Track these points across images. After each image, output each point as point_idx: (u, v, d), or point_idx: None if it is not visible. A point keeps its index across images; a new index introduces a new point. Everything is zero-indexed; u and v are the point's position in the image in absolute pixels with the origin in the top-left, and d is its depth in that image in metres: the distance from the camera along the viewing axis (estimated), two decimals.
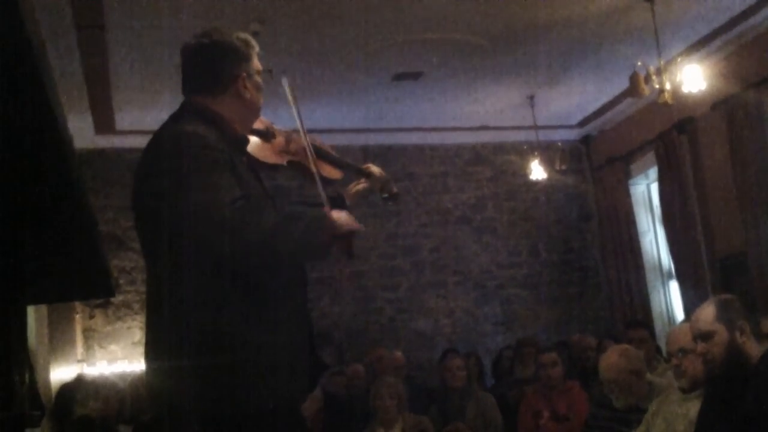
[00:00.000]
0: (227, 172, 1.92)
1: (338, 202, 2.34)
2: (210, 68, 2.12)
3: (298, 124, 2.21)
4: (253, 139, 2.24)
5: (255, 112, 2.21)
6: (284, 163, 2.28)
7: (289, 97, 2.22)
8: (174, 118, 2.09)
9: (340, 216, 2.01)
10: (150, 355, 1.99)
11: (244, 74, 2.14)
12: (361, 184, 2.45)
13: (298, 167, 2.28)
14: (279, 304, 1.98)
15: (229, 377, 1.87)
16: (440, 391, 5.37)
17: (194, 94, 2.14)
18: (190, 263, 1.86)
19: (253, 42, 2.20)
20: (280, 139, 2.31)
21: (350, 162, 2.46)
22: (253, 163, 2.21)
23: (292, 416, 2.03)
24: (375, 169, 2.46)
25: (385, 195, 2.48)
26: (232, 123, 2.12)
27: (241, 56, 2.14)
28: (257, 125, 2.27)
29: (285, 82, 2.23)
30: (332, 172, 2.36)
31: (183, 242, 1.84)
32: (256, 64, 2.19)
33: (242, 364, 1.88)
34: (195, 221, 1.82)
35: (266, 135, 2.29)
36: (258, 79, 2.18)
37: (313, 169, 2.17)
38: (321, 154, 2.33)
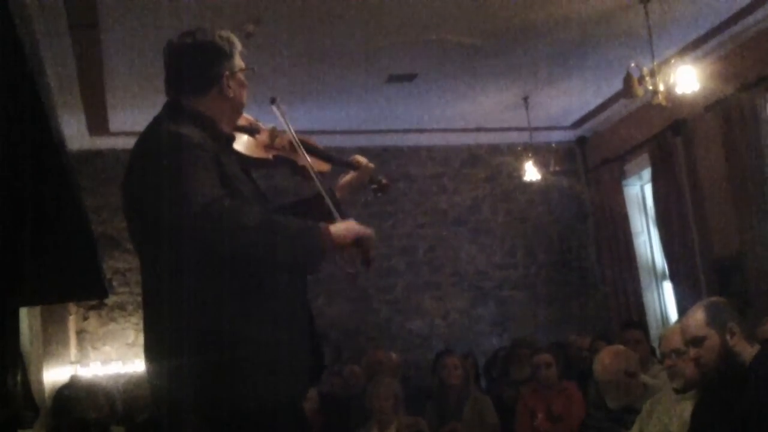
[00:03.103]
0: (211, 171, 1.92)
1: (329, 197, 2.34)
2: (193, 68, 2.13)
3: (292, 138, 2.22)
4: (239, 136, 2.24)
5: (239, 110, 2.22)
6: (270, 157, 2.27)
7: (281, 120, 2.23)
8: (158, 120, 2.10)
9: (343, 226, 1.99)
10: (149, 354, 1.99)
11: (228, 72, 2.14)
12: (350, 177, 2.43)
13: (284, 162, 2.27)
14: (278, 301, 1.97)
15: (229, 375, 1.87)
16: (437, 391, 5.36)
17: (178, 94, 2.14)
18: (179, 262, 1.86)
19: (235, 40, 2.20)
20: (264, 135, 2.31)
21: (337, 156, 2.45)
22: (240, 159, 2.22)
23: (293, 414, 2.03)
24: (362, 160, 2.44)
25: (374, 186, 2.46)
26: (217, 122, 2.13)
27: (224, 54, 2.15)
28: (241, 122, 2.27)
29: (276, 108, 2.24)
30: (320, 165, 2.35)
31: (171, 239, 1.84)
32: (239, 62, 2.19)
33: (242, 362, 1.88)
34: (176, 217, 1.82)
35: (251, 131, 2.29)
36: (241, 76, 2.19)
37: (304, 161, 2.18)
38: (307, 148, 2.33)
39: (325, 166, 2.36)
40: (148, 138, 2.03)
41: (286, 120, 2.22)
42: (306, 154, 2.24)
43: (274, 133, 2.30)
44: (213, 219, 1.81)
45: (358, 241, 1.99)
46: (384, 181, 2.48)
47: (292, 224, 1.94)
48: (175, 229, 1.83)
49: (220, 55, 2.14)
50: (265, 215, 1.93)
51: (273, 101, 2.24)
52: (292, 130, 2.23)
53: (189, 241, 1.82)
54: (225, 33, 2.19)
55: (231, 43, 2.18)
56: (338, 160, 2.43)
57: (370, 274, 7.49)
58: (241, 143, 2.24)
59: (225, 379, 1.87)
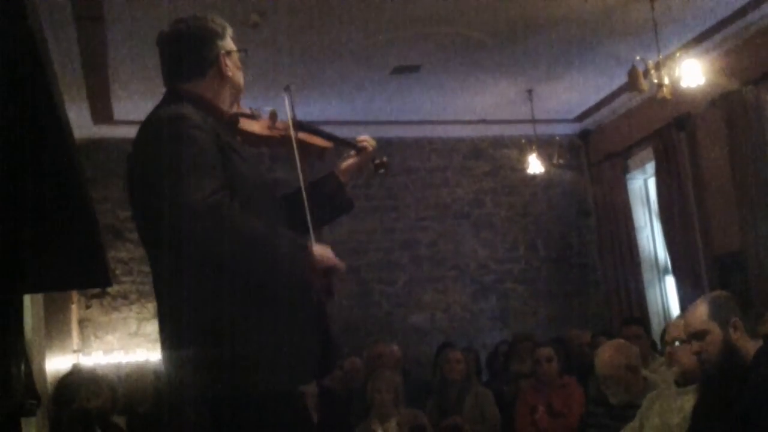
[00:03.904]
0: (211, 158, 1.92)
1: (330, 181, 2.34)
2: (190, 51, 2.14)
3: (291, 121, 2.22)
4: (241, 120, 2.26)
5: (238, 90, 2.24)
6: (276, 135, 2.29)
7: (288, 111, 2.24)
8: (159, 106, 2.11)
9: (321, 251, 1.98)
10: (162, 344, 2.02)
11: (223, 52, 2.16)
12: (353, 158, 2.43)
13: (288, 141, 2.26)
14: (281, 291, 1.97)
15: (233, 368, 1.88)
16: (438, 384, 5.37)
17: (177, 81, 2.15)
18: (183, 252, 1.86)
19: (227, 24, 2.23)
20: (265, 119, 2.33)
21: (339, 136, 2.44)
22: (246, 138, 2.22)
23: (294, 405, 2.04)
24: (366, 141, 2.44)
25: (377, 162, 2.46)
26: (218, 104, 2.15)
27: (218, 36, 2.17)
28: (242, 110, 2.28)
29: (287, 96, 2.25)
30: (322, 142, 2.36)
31: (170, 232, 1.85)
32: (231, 44, 2.21)
33: (246, 355, 1.89)
34: (174, 206, 1.83)
35: (252, 116, 2.31)
36: (236, 57, 2.21)
37: (294, 139, 2.18)
38: (309, 128, 2.34)
39: (327, 143, 2.37)
40: (148, 125, 2.04)
41: (292, 107, 2.23)
42: (307, 135, 2.26)
43: (274, 116, 2.32)
44: (211, 216, 1.81)
45: (328, 271, 1.99)
46: (385, 159, 2.48)
47: (285, 241, 1.93)
48: (175, 223, 1.83)
49: (215, 36, 2.17)
50: (263, 225, 1.91)
51: (287, 89, 2.25)
52: (294, 116, 2.23)
53: (187, 234, 1.83)
54: (217, 17, 2.22)
55: (223, 26, 2.21)
56: (342, 141, 2.43)
57: (370, 270, 7.51)
58: (246, 123, 2.26)
59: (229, 372, 1.88)
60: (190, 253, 1.84)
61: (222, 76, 2.16)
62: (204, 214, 1.80)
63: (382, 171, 2.49)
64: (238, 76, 2.22)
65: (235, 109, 2.25)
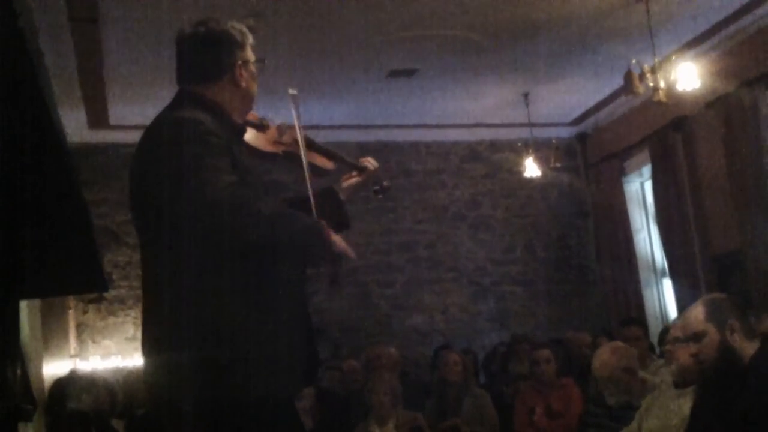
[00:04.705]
0: (225, 158, 1.94)
1: (330, 195, 2.34)
2: (206, 57, 2.13)
3: (298, 136, 2.22)
4: (248, 130, 2.25)
5: (250, 100, 2.23)
6: (279, 152, 2.29)
7: (294, 114, 2.23)
8: (170, 108, 2.09)
9: (336, 237, 2.00)
10: (146, 348, 2.00)
11: (240, 62, 2.15)
12: (354, 178, 2.43)
13: (292, 157, 2.27)
14: (276, 298, 1.98)
15: (225, 370, 1.88)
16: (436, 386, 5.37)
17: (190, 83, 2.14)
18: (190, 250, 1.87)
19: (247, 31, 2.21)
20: (273, 131, 2.32)
21: (344, 156, 2.45)
22: (251, 151, 2.22)
23: (287, 409, 2.04)
24: (369, 163, 2.44)
25: (377, 188, 2.48)
26: (228, 111, 2.14)
27: (237, 44, 2.16)
28: (251, 118, 2.28)
29: (291, 100, 2.25)
30: (325, 163, 2.37)
31: (183, 227, 1.86)
32: (250, 53, 2.20)
33: (239, 357, 1.89)
34: (194, 203, 1.84)
35: (260, 126, 2.30)
36: (252, 67, 2.20)
37: (303, 157, 2.18)
38: (313, 146, 2.34)
39: (329, 164, 2.38)
40: (160, 125, 2.03)
41: (299, 116, 2.23)
42: (310, 153, 2.26)
43: (282, 130, 2.32)
44: (231, 205, 1.84)
45: (340, 257, 2.01)
46: (386, 183, 2.50)
47: (302, 217, 1.98)
48: (194, 216, 1.85)
49: (233, 43, 2.15)
50: (278, 206, 1.97)
51: (294, 98, 2.24)
52: (300, 127, 2.23)
53: (207, 227, 1.84)
54: (237, 24, 2.20)
55: (243, 34, 2.19)
56: (345, 161, 2.42)
57: (368, 272, 7.51)
58: (251, 137, 2.25)
59: (225, 374, 1.88)
60: (211, 243, 1.86)
61: (236, 85, 2.15)
62: (227, 201, 1.84)
63: (380, 196, 2.51)
64: (252, 87, 2.20)
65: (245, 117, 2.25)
